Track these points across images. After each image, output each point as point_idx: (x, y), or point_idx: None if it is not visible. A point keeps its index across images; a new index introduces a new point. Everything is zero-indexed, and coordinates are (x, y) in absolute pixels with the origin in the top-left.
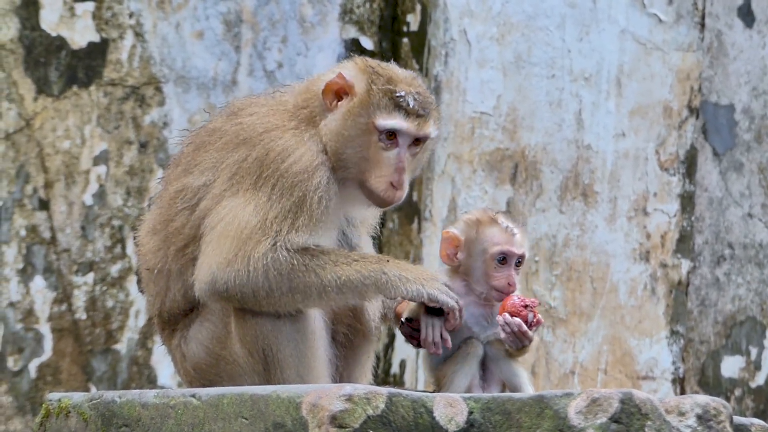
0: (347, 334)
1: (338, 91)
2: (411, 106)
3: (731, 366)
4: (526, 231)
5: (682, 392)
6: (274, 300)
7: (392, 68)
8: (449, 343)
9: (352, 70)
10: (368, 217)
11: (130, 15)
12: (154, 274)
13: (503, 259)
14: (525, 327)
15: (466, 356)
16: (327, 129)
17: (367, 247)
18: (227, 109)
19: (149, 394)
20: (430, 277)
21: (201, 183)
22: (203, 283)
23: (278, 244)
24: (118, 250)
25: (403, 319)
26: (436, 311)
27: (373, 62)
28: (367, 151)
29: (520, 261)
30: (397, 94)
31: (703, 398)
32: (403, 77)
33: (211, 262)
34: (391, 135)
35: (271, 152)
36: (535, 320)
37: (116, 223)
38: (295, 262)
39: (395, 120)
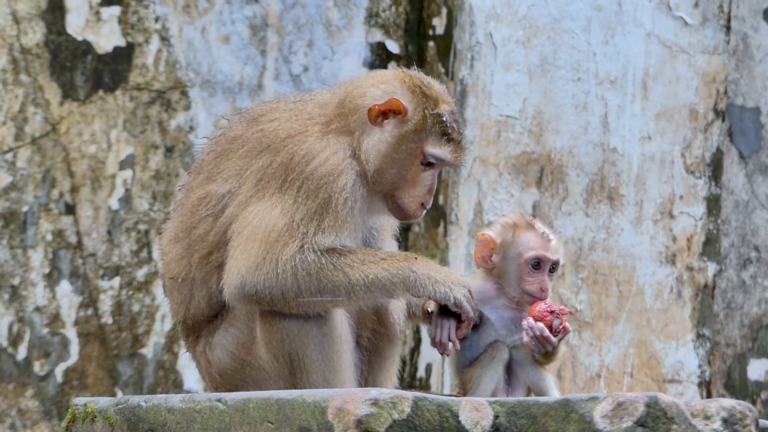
0: (372, 338)
1: (386, 111)
2: (455, 134)
3: (757, 369)
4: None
5: (709, 395)
6: (303, 301)
7: (433, 85)
8: (458, 346)
9: (400, 90)
10: (390, 220)
11: (156, 19)
12: (177, 283)
13: (537, 264)
14: (548, 332)
15: (492, 360)
16: (371, 145)
17: (391, 249)
18: (247, 116)
19: (175, 399)
20: (457, 281)
21: (225, 191)
22: (233, 287)
23: (305, 245)
24: (144, 254)
25: (429, 310)
26: (451, 312)
27: (417, 78)
28: (408, 171)
29: (554, 267)
30: (444, 119)
31: (728, 402)
32: (443, 96)
33: (240, 266)
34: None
35: (295, 156)
36: (561, 327)
37: (142, 227)
38: (324, 262)
39: (443, 150)
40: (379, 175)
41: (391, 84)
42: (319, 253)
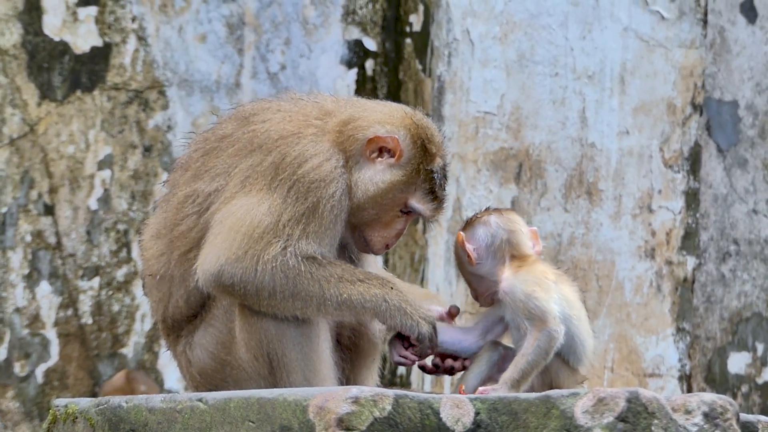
0: (352, 336)
1: (382, 148)
2: (440, 193)
3: (738, 362)
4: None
5: (689, 389)
6: (275, 302)
7: (434, 138)
8: (411, 359)
9: (404, 135)
10: None
11: (133, 19)
12: (156, 280)
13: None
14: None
15: (480, 358)
16: (360, 178)
17: (368, 256)
18: (237, 115)
19: (156, 399)
20: (425, 316)
21: (212, 189)
22: (209, 273)
23: (288, 248)
24: (123, 254)
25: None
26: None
27: (423, 129)
28: (386, 215)
29: None
30: (434, 177)
31: (709, 396)
32: (440, 150)
33: (220, 254)
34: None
35: (287, 156)
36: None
37: (121, 227)
38: (303, 269)
39: (426, 206)
40: (359, 210)
41: (396, 126)
42: (300, 258)
